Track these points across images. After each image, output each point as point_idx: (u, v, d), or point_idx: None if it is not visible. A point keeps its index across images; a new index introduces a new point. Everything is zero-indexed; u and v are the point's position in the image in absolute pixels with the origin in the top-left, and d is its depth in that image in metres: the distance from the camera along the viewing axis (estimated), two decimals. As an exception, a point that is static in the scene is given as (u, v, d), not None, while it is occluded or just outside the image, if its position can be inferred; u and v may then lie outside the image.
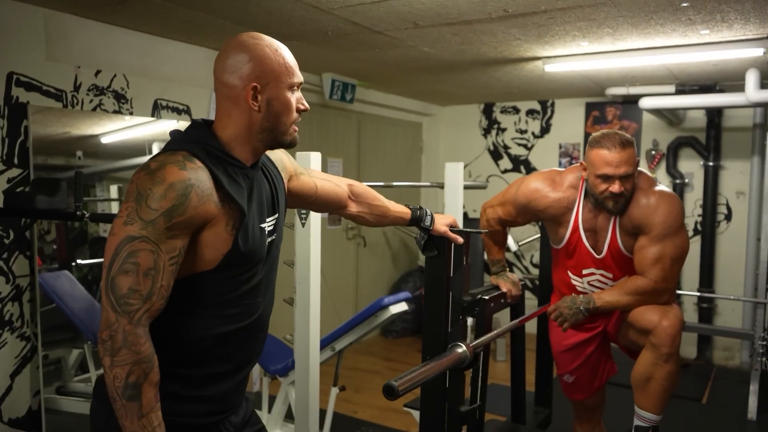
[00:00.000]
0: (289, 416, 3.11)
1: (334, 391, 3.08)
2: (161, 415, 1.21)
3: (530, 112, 6.02)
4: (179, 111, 3.69)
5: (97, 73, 3.25)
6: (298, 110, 1.38)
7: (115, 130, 3.54)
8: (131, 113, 3.44)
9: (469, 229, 1.97)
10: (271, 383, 3.34)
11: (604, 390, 2.67)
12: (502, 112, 6.17)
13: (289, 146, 1.41)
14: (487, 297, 2.21)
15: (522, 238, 5.71)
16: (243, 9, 2.98)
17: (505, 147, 6.16)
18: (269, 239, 1.42)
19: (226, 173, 1.29)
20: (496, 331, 2.12)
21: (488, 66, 4.28)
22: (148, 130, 3.63)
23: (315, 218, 2.70)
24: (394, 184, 3.54)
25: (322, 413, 3.03)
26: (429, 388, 1.98)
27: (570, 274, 2.50)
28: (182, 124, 3.64)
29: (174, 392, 1.30)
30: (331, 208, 1.80)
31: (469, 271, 2.08)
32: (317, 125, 5.09)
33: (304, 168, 1.70)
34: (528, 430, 2.74)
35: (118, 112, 3.37)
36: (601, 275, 2.44)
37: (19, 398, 2.97)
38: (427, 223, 1.89)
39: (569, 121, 5.82)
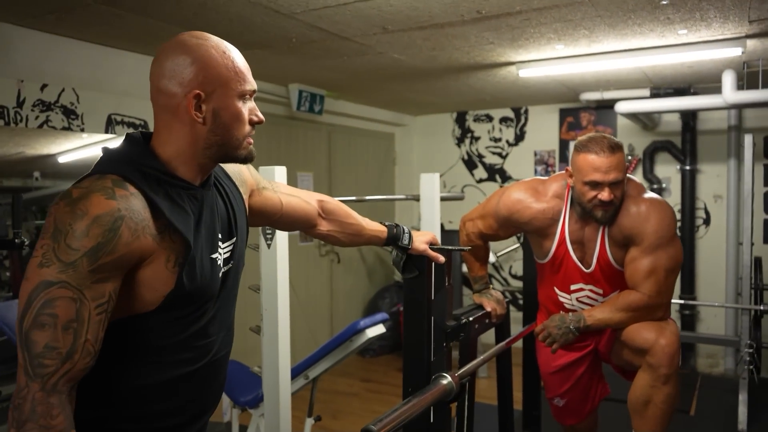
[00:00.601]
0: (260, 451, 2.89)
1: (309, 421, 2.88)
2: None
3: (504, 120, 5.91)
4: (135, 126, 3.46)
5: (43, 87, 3.01)
6: (251, 122, 1.18)
7: (73, 148, 3.32)
8: (82, 129, 3.21)
9: (450, 247, 1.80)
10: (241, 414, 3.11)
11: (596, 413, 2.51)
12: (475, 120, 6.04)
13: (245, 161, 1.22)
14: (471, 319, 2.03)
15: (500, 249, 5.57)
16: (200, 15, 2.78)
17: (480, 156, 6.03)
18: (224, 269, 1.23)
19: (169, 197, 1.09)
20: (482, 357, 1.94)
21: (461, 72, 4.14)
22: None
23: (282, 237, 2.50)
24: (367, 198, 3.37)
25: (297, 446, 2.82)
26: (411, 424, 1.79)
27: (557, 290, 2.34)
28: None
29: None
30: (299, 226, 1.61)
31: (452, 293, 1.91)
32: (285, 139, 4.89)
33: (269, 182, 1.50)
34: (517, 457, 2.56)
35: (67, 128, 3.13)
36: (591, 291, 2.28)
37: (-39, 445, 2.71)
38: (405, 241, 1.72)
39: (544, 128, 5.72)
